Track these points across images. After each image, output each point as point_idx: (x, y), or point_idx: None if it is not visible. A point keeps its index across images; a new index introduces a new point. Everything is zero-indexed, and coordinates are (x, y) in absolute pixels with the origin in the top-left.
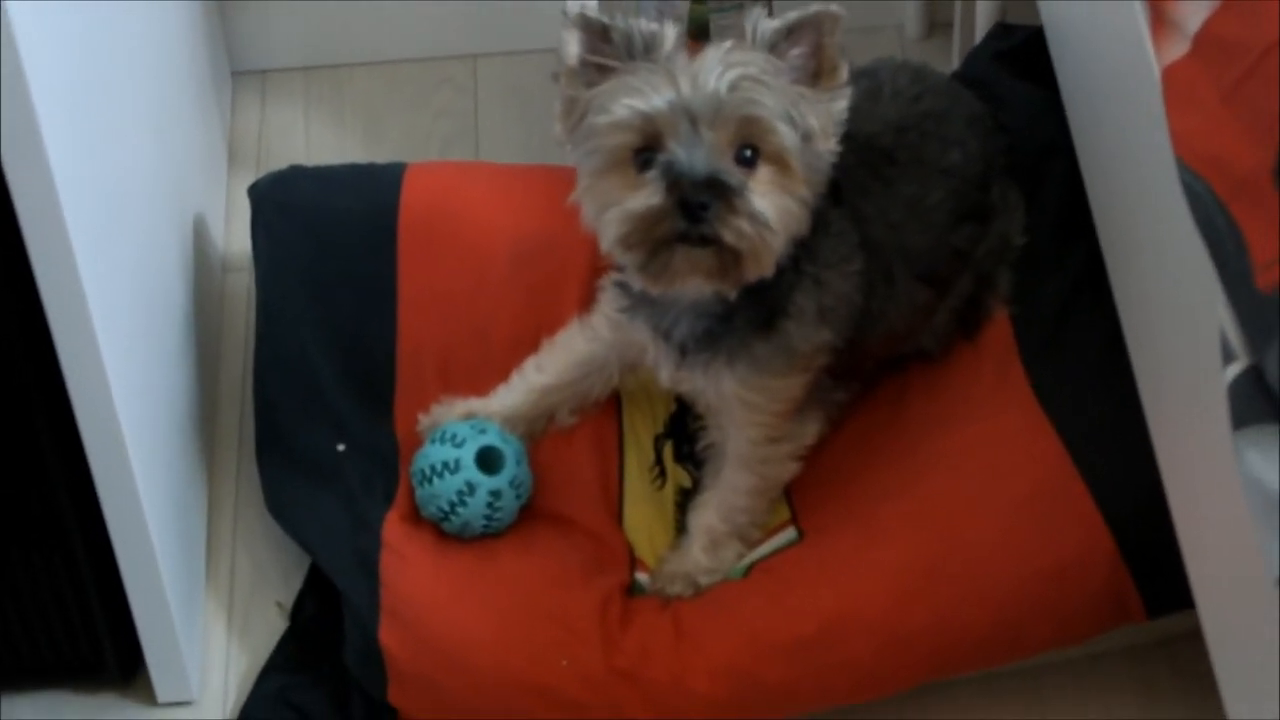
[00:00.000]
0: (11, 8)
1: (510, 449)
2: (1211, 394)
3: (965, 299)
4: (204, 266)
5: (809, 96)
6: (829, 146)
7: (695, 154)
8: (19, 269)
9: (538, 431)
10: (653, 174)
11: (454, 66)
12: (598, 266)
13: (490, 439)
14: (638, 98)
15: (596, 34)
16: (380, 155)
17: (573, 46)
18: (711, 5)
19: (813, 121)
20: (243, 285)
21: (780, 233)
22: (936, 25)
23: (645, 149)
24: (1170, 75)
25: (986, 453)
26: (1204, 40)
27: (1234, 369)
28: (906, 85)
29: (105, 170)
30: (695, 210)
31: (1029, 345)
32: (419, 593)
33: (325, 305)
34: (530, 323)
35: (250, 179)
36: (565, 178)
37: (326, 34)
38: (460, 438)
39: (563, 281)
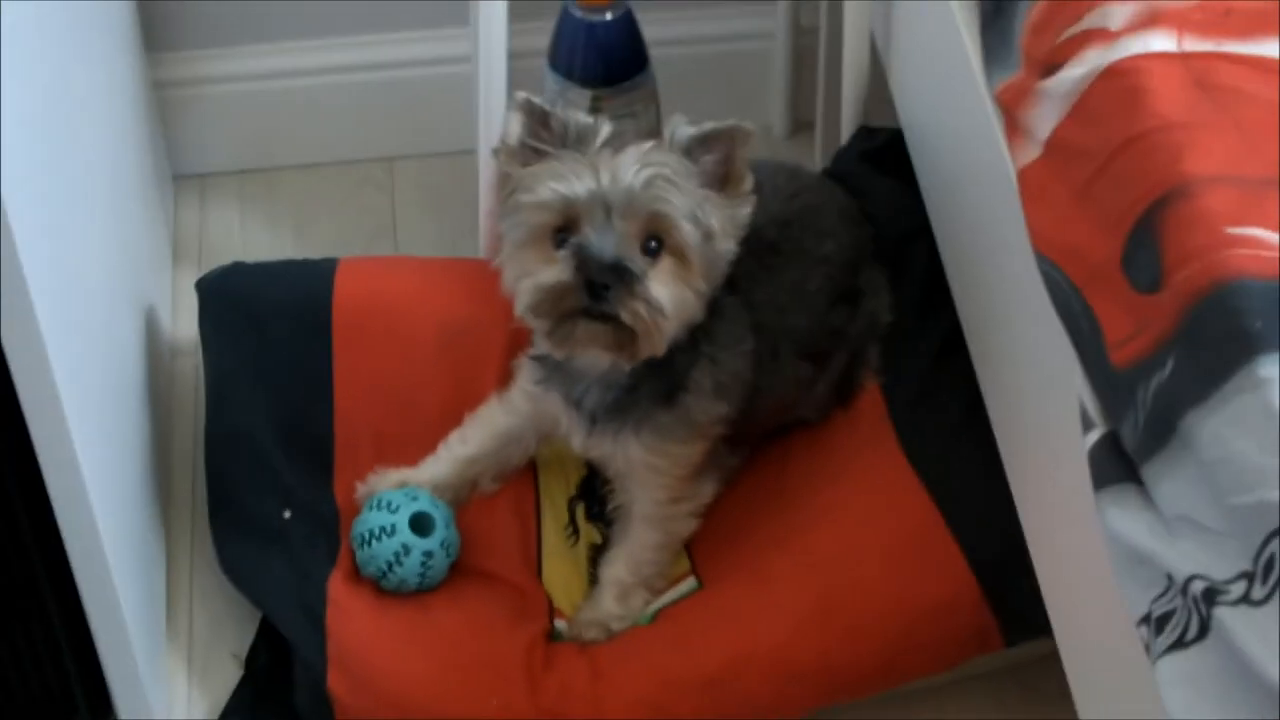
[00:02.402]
0: None
1: (440, 513)
2: (1068, 454)
3: (841, 372)
4: (155, 352)
5: (715, 200)
6: (728, 246)
7: (605, 240)
8: None
9: (463, 497)
10: (565, 252)
11: (373, 168)
12: (513, 347)
13: (422, 505)
14: (562, 183)
15: (538, 120)
16: (310, 248)
17: (515, 128)
18: (607, 110)
19: (714, 222)
20: (189, 368)
21: (673, 318)
22: (800, 125)
23: (563, 229)
24: (1025, 176)
25: (862, 507)
26: (1054, 145)
27: (1093, 436)
28: (784, 183)
29: (71, 268)
30: (598, 290)
31: (898, 410)
32: (362, 644)
33: (268, 387)
34: (454, 399)
35: (193, 272)
36: (483, 269)
37: (258, 140)
38: (395, 504)
39: (483, 362)
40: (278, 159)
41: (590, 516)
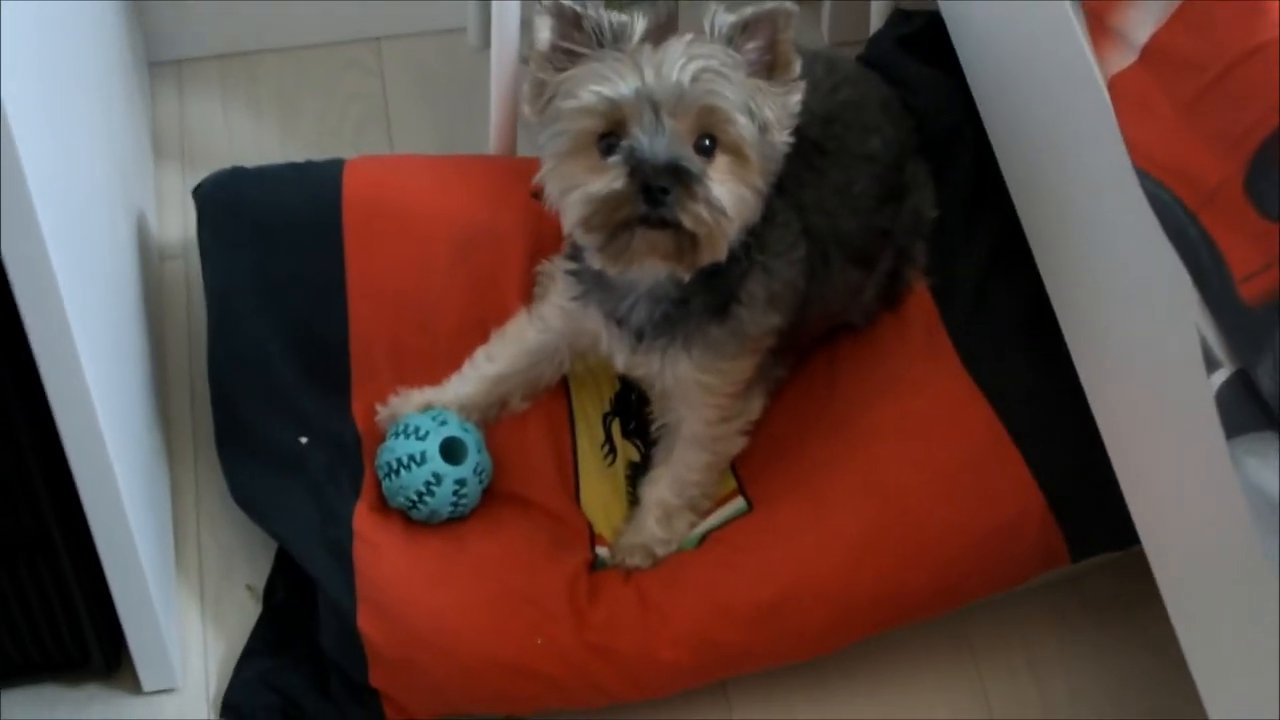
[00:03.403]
0: None
1: (470, 438)
2: (1155, 367)
3: (887, 273)
4: (146, 257)
5: (765, 89)
6: (783, 138)
7: (657, 141)
8: None
9: (491, 418)
10: (616, 159)
11: (360, 49)
12: (536, 253)
13: (451, 430)
14: (604, 84)
15: (569, 21)
16: (297, 139)
17: (544, 32)
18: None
19: (769, 113)
20: (179, 273)
21: (735, 219)
22: None
23: (609, 134)
24: (1119, 84)
25: (922, 423)
26: (1154, 52)
27: (1219, 376)
28: (824, 76)
29: (69, 169)
30: (656, 194)
31: (952, 316)
32: (393, 580)
33: (277, 301)
34: (474, 310)
35: (176, 167)
36: (499, 167)
37: (237, 21)
38: (423, 430)
39: (503, 269)
40: (258, 41)
41: (626, 433)
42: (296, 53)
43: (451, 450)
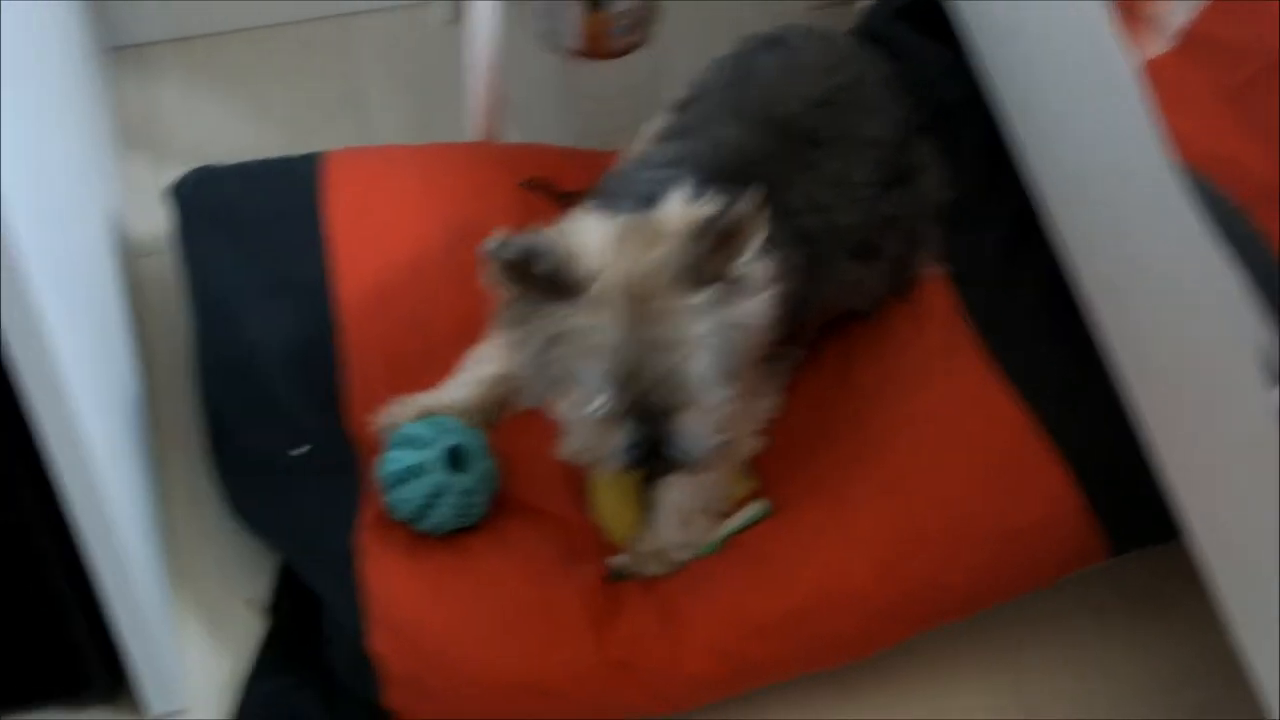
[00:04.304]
0: None
1: (475, 444)
2: (1202, 352)
3: (894, 261)
4: (124, 256)
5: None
6: (765, 318)
7: (635, 447)
8: None
9: (493, 420)
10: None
11: (327, 28)
12: None
13: (454, 437)
14: (587, 404)
15: (520, 271)
16: (267, 124)
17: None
18: None
19: (738, 334)
20: (154, 271)
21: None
22: None
23: None
24: (1156, 72)
25: (949, 418)
26: (1193, 38)
27: None
28: (819, 56)
29: (41, 172)
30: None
31: (974, 306)
32: (402, 598)
33: (263, 307)
34: (471, 307)
35: (145, 158)
36: (483, 155)
37: (197, 3)
38: (424, 439)
39: None
40: (220, 22)
41: None
42: (261, 33)
43: (455, 459)
